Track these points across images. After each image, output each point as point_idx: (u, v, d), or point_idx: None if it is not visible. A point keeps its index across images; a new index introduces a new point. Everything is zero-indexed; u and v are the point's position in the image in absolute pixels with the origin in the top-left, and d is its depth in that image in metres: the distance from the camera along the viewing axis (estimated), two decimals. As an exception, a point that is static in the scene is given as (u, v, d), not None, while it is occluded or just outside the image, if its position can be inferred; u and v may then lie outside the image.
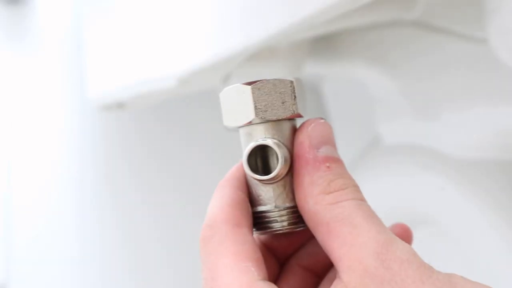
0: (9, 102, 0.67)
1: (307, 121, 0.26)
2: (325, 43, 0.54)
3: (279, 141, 0.25)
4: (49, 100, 0.68)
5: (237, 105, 0.26)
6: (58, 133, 0.68)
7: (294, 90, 0.25)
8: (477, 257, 0.48)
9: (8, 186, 0.66)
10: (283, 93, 0.25)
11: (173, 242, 0.73)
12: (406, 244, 0.24)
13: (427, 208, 0.52)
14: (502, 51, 0.30)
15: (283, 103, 0.25)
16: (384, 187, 0.55)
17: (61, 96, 0.68)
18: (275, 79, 0.25)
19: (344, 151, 0.76)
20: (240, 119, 0.26)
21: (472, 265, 0.48)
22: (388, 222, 0.57)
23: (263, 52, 0.44)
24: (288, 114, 0.25)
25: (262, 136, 0.25)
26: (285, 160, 0.25)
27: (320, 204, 0.24)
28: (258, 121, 0.25)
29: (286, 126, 0.26)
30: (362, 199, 0.26)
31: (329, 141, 0.26)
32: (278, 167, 0.25)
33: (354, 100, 0.69)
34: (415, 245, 0.58)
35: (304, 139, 0.25)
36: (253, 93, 0.25)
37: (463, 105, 0.47)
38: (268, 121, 0.25)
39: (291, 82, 0.25)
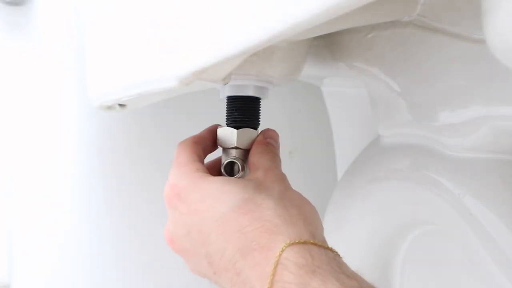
0: (9, 102, 0.67)
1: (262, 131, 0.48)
2: (324, 43, 0.54)
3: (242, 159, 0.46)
4: (50, 100, 0.68)
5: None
6: (58, 133, 0.68)
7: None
8: (477, 257, 0.48)
9: (9, 186, 0.67)
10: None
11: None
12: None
13: (426, 208, 0.52)
14: (500, 52, 0.30)
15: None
16: (383, 187, 0.56)
17: (61, 96, 0.69)
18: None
19: (344, 151, 0.76)
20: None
21: (471, 265, 0.48)
22: (388, 222, 0.57)
23: (263, 52, 0.44)
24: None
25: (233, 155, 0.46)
26: (242, 168, 0.46)
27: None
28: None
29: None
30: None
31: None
32: (240, 174, 0.45)
33: (354, 100, 0.69)
34: (415, 244, 0.58)
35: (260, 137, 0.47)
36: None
37: (463, 105, 0.47)
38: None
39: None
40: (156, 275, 0.72)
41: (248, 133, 0.46)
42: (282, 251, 0.36)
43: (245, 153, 0.46)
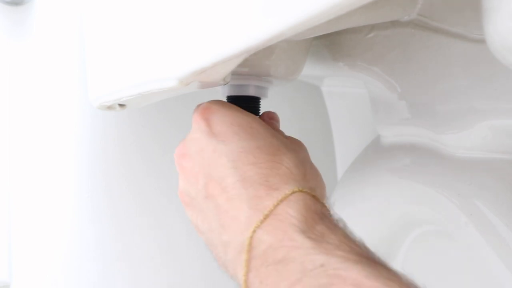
0: (9, 101, 0.67)
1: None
2: (324, 43, 0.54)
3: None
4: (50, 100, 0.68)
5: None
6: (58, 133, 0.68)
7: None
8: (476, 257, 0.48)
9: (9, 186, 0.67)
10: None
11: (172, 242, 0.73)
12: None
13: (426, 208, 0.52)
14: (500, 52, 0.30)
15: None
16: (383, 187, 0.56)
17: (61, 96, 0.69)
18: None
19: (344, 151, 0.76)
20: None
21: (471, 265, 0.48)
22: (388, 222, 0.57)
23: (263, 52, 0.44)
24: None
25: None
26: None
27: None
28: None
29: None
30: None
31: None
32: None
33: (354, 100, 0.69)
34: (414, 243, 0.58)
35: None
36: None
37: (463, 105, 0.47)
38: None
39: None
40: (156, 275, 0.72)
41: None
42: (294, 192, 0.35)
43: None
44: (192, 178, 0.40)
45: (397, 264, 0.58)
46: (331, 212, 0.36)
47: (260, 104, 0.48)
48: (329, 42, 0.54)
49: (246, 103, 0.47)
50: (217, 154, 0.39)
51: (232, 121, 0.40)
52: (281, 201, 0.34)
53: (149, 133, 0.73)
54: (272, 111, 0.48)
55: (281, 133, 0.44)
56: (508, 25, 0.28)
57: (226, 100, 0.48)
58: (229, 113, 0.41)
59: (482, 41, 0.42)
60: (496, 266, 0.46)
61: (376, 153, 0.58)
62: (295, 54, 0.48)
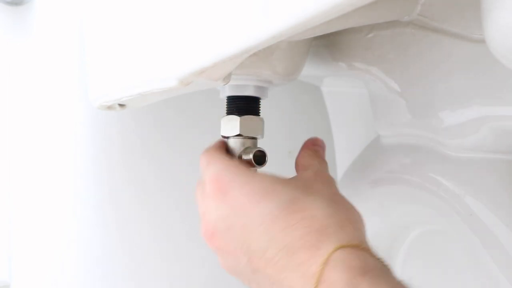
0: (9, 102, 0.67)
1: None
2: (324, 43, 0.54)
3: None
4: (50, 100, 0.68)
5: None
6: (58, 133, 0.68)
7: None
8: (477, 257, 0.48)
9: (9, 186, 0.67)
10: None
11: (172, 242, 0.73)
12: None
13: (426, 208, 0.52)
14: (500, 51, 0.30)
15: None
16: (383, 187, 0.56)
17: (62, 96, 0.69)
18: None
19: (344, 151, 0.76)
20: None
21: (470, 265, 0.48)
22: (388, 222, 0.57)
23: (263, 52, 0.44)
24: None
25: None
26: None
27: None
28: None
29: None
30: None
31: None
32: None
33: (354, 100, 0.69)
34: (414, 243, 0.58)
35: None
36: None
37: (463, 105, 0.47)
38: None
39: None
40: (157, 276, 0.72)
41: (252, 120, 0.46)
42: (334, 251, 0.35)
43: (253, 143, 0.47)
44: (232, 257, 0.40)
45: (397, 264, 0.58)
46: (374, 253, 0.36)
47: (260, 104, 0.48)
48: (329, 42, 0.54)
49: (246, 103, 0.47)
50: (248, 228, 0.38)
51: (248, 190, 0.39)
52: (325, 264, 0.35)
53: (151, 132, 0.73)
54: (316, 137, 0.48)
55: (323, 163, 0.45)
56: (508, 24, 0.28)
57: (226, 100, 0.48)
58: (243, 182, 0.40)
59: (482, 41, 0.42)
60: (496, 266, 0.46)
61: (376, 153, 0.58)
62: (295, 54, 0.48)
